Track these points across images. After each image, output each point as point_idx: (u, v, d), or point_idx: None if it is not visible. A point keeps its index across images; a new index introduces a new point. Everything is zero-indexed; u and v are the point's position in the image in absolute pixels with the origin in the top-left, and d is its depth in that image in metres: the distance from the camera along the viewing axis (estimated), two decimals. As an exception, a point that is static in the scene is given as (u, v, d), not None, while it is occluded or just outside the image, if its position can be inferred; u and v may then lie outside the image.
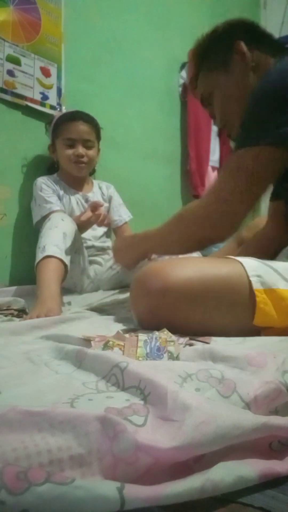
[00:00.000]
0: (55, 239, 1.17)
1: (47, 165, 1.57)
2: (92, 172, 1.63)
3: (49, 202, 1.40)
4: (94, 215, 1.33)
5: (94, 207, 1.34)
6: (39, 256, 1.13)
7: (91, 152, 1.47)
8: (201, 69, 0.95)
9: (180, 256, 0.91)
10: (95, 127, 1.49)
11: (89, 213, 1.33)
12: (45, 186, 1.44)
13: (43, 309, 0.94)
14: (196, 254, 1.50)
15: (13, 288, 1.34)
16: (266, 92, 0.75)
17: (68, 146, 1.43)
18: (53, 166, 1.56)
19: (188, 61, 1.00)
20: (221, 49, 0.90)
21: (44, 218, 1.33)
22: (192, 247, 0.87)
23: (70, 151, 1.43)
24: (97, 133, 1.50)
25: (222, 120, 0.96)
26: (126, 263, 1.07)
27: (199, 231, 0.81)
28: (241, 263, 0.69)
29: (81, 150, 1.43)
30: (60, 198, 1.47)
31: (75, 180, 1.52)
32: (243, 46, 0.87)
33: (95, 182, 1.63)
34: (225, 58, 0.89)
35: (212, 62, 0.92)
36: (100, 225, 1.38)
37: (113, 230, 1.66)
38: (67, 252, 1.17)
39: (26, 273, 1.53)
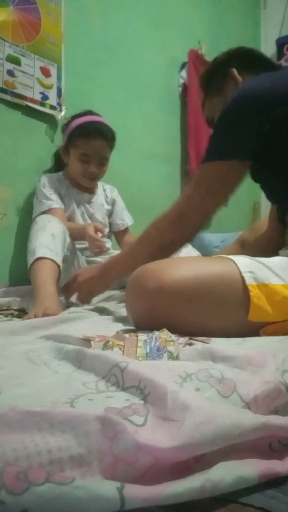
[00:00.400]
0: (44, 240, 1.16)
1: (55, 162, 1.58)
2: None
3: (49, 199, 1.40)
4: (94, 244, 1.27)
5: (97, 230, 1.30)
6: (30, 259, 1.13)
7: (104, 168, 1.47)
8: (206, 96, 1.05)
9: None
10: (113, 142, 1.47)
11: (95, 237, 1.27)
12: (48, 183, 1.44)
13: (40, 308, 0.94)
14: (195, 254, 1.51)
15: (13, 288, 1.34)
16: (228, 108, 0.83)
17: (82, 160, 1.42)
18: (59, 163, 1.56)
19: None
20: (219, 77, 0.99)
21: (43, 214, 1.35)
22: (157, 254, 0.87)
23: (84, 166, 1.43)
24: (113, 146, 1.49)
25: None
26: (99, 291, 1.07)
27: (161, 239, 0.88)
28: (233, 261, 0.70)
29: (94, 168, 1.43)
30: (61, 197, 1.47)
31: (79, 183, 1.52)
32: (234, 72, 0.96)
33: (99, 184, 1.63)
34: (222, 84, 0.99)
35: (213, 89, 1.02)
36: (93, 253, 1.34)
37: (114, 233, 1.65)
38: (58, 252, 1.17)
39: (26, 273, 1.53)
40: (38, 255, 1.12)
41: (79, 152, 1.41)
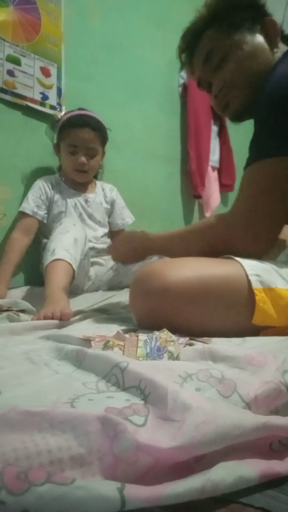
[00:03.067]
0: (65, 243, 1.16)
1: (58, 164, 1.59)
2: (96, 174, 1.63)
3: (27, 202, 1.42)
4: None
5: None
6: (49, 258, 1.13)
7: (93, 161, 1.47)
8: (215, 24, 0.86)
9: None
10: (101, 133, 1.47)
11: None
12: (37, 188, 1.46)
13: (56, 307, 0.90)
14: None
15: (13, 289, 1.34)
16: (273, 100, 0.72)
17: (70, 152, 1.43)
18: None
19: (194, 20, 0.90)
20: (247, 15, 0.85)
21: (19, 213, 1.42)
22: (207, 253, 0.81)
23: (72, 158, 1.44)
24: (102, 139, 1.49)
25: (225, 89, 0.88)
26: (132, 260, 1.03)
27: (232, 247, 0.76)
28: (239, 263, 0.69)
29: (83, 158, 1.43)
30: (52, 201, 1.47)
31: (75, 182, 1.52)
32: (275, 23, 0.84)
33: (99, 183, 1.63)
34: (254, 18, 0.85)
35: (236, 20, 0.85)
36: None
37: (113, 232, 1.65)
38: (77, 258, 1.17)
39: (26, 273, 1.53)
40: (57, 256, 1.12)
41: (66, 144, 1.43)
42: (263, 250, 0.76)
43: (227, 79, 0.86)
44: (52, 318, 0.86)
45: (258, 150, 0.75)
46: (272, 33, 0.85)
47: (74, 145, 1.42)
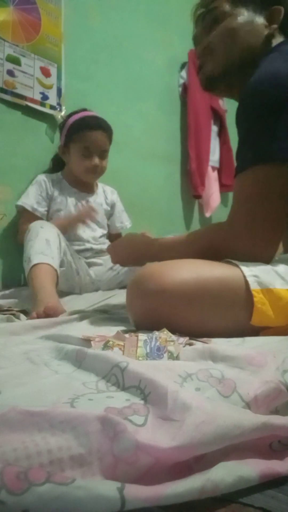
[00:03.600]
0: (38, 247, 1.16)
1: (52, 164, 1.59)
2: None
3: (28, 197, 1.43)
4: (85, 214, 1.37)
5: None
6: (27, 267, 1.13)
7: (104, 162, 1.48)
8: None
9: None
10: (111, 135, 1.49)
11: (88, 208, 1.39)
12: (38, 185, 1.46)
13: (40, 308, 0.93)
14: None
15: (14, 289, 1.34)
16: (254, 101, 0.70)
17: (84, 155, 1.43)
18: (58, 164, 1.56)
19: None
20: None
21: (17, 207, 1.44)
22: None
23: (86, 161, 1.44)
24: (110, 140, 1.50)
25: (206, 50, 0.88)
26: (128, 263, 1.02)
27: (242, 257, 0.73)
28: (237, 264, 0.69)
29: (97, 160, 1.44)
30: (51, 199, 1.47)
31: (79, 182, 1.53)
32: (281, 12, 0.82)
33: (100, 185, 1.63)
34: (264, 2, 0.83)
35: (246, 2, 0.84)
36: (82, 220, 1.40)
37: (112, 235, 1.65)
38: (54, 256, 1.16)
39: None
40: (34, 262, 1.12)
41: (80, 146, 1.42)
42: (271, 253, 0.74)
43: (210, 40, 0.87)
44: (45, 316, 0.87)
45: (239, 162, 0.74)
46: (273, 21, 0.83)
47: (88, 147, 1.42)
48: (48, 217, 1.47)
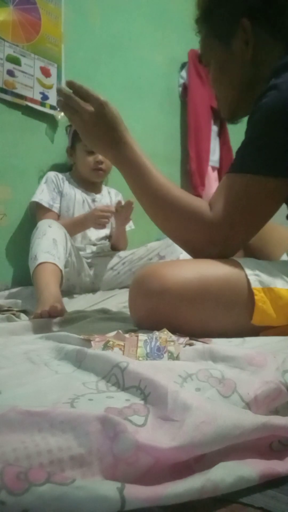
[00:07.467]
0: (45, 246, 1.17)
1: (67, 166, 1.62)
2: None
3: (43, 194, 1.45)
4: (101, 216, 1.35)
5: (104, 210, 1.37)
6: (33, 265, 1.13)
7: (108, 160, 1.49)
8: (202, 30, 0.84)
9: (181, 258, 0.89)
10: None
11: (104, 209, 1.36)
12: (50, 181, 1.48)
13: (45, 307, 0.93)
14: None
15: (14, 289, 1.34)
16: (270, 115, 0.67)
17: (88, 152, 1.46)
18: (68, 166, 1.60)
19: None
20: (225, 16, 0.77)
21: (32, 203, 1.46)
22: (180, 244, 0.80)
23: (90, 158, 1.46)
24: None
25: (213, 85, 0.87)
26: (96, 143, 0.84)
27: (204, 249, 0.74)
28: (239, 263, 0.69)
29: (100, 157, 1.45)
30: (62, 194, 1.49)
31: (86, 182, 1.55)
32: (247, 25, 0.74)
33: (105, 187, 1.66)
34: (226, 30, 0.78)
35: (213, 29, 0.80)
36: (97, 225, 1.38)
37: (111, 237, 1.65)
38: (60, 257, 1.17)
39: (27, 273, 1.52)
40: (40, 261, 1.12)
41: (83, 143, 1.43)
42: (231, 254, 0.74)
43: (211, 84, 0.88)
44: (48, 315, 0.87)
45: (246, 161, 0.72)
46: (248, 38, 0.76)
47: None
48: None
